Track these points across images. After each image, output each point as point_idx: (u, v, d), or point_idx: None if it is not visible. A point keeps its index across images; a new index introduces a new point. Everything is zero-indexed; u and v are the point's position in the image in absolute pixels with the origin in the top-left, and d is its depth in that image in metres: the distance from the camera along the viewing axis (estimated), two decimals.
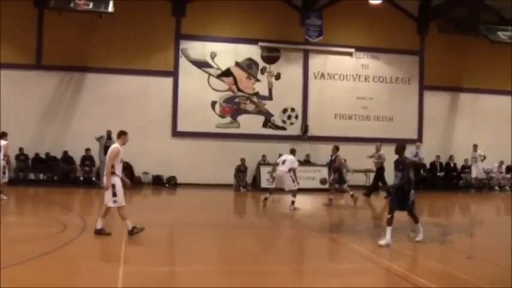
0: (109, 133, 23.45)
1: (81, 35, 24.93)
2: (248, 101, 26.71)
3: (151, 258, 10.16)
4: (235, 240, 12.62)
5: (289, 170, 18.36)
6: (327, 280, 8.92)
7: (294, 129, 26.93)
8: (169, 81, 25.94)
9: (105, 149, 23.42)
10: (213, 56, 26.44)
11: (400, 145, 12.01)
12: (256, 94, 26.80)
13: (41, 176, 24.87)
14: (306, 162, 26.20)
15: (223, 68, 26.52)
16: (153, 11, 25.48)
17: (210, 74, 26.36)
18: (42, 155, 24.70)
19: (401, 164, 11.66)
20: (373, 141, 26.51)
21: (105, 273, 8.71)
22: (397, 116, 27.81)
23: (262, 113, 26.79)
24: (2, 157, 17.73)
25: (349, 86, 27.62)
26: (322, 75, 27.45)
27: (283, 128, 26.90)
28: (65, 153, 24.73)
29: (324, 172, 25.39)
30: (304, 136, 26.71)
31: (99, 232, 11.64)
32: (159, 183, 25.25)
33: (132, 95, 25.26)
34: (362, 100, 27.73)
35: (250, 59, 26.83)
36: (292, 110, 27.00)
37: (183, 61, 26.12)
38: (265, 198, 18.95)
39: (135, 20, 25.14)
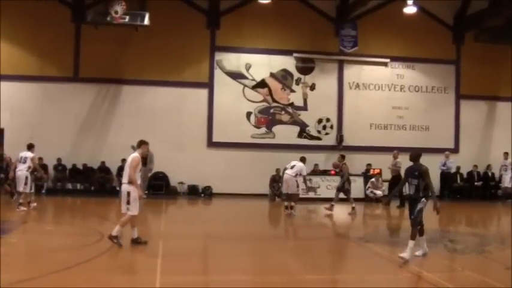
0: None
1: (117, 48, 25.27)
2: (283, 112, 26.74)
3: (187, 268, 10.23)
4: (270, 250, 12.62)
5: (296, 175, 18.75)
6: None
7: (329, 139, 26.86)
8: (204, 92, 26.11)
9: (142, 161, 23.77)
10: (247, 67, 26.55)
11: (416, 153, 11.82)
12: (291, 105, 26.82)
13: (78, 186, 25.20)
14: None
15: (258, 79, 26.61)
16: (188, 23, 25.70)
17: (245, 85, 26.47)
18: (80, 166, 25.04)
19: (416, 171, 11.24)
20: (409, 151, 26.13)
21: (142, 282, 8.80)
22: (433, 125, 27.53)
23: (297, 124, 26.79)
24: (26, 168, 18.08)
25: (385, 96, 27.47)
26: (357, 86, 27.34)
27: (319, 138, 26.85)
28: (102, 163, 25.05)
29: (359, 182, 25.29)
30: (339, 146, 26.60)
31: (136, 241, 11.85)
32: (194, 193, 25.39)
33: (167, 107, 25.50)
34: (397, 110, 27.53)
35: (285, 70, 26.86)
36: (327, 120, 26.94)
37: (218, 73, 26.28)
38: (286, 207, 19.18)
39: (171, 33, 25.38)
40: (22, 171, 17.95)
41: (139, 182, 11.88)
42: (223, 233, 15.61)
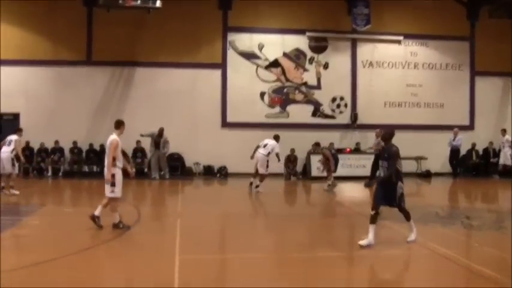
0: (161, 130, 23.94)
1: (130, 31, 25.29)
2: (297, 91, 26.72)
3: (205, 246, 10.34)
4: (287, 228, 12.70)
5: (268, 153, 19.20)
6: (381, 266, 8.94)
7: (344, 118, 26.83)
8: (217, 73, 26.12)
9: (155, 144, 23.94)
10: (260, 47, 26.51)
11: (388, 132, 10.63)
12: (305, 84, 26.78)
13: (95, 168, 25.36)
14: (356, 150, 26.10)
15: (271, 59, 26.57)
16: (200, 5, 25.64)
17: (258, 65, 26.45)
18: (96, 148, 25.17)
19: (386, 152, 10.24)
20: (423, 128, 26.41)
21: (162, 261, 8.91)
22: (448, 102, 27.40)
23: (311, 103, 26.77)
24: (10, 151, 17.92)
25: (398, 73, 27.33)
26: (371, 64, 27.24)
27: (333, 117, 26.82)
28: None
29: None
30: (353, 125, 26.58)
31: (117, 226, 11.51)
32: (210, 173, 25.54)
33: (181, 88, 25.54)
34: (412, 87, 27.41)
35: (297, 49, 26.80)
36: (341, 98, 26.89)
37: (231, 53, 26.27)
38: (251, 183, 19.57)
39: (183, 15, 25.36)
40: (6, 153, 17.80)
41: (121, 164, 11.69)
42: (240, 212, 15.74)
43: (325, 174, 21.01)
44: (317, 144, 21.08)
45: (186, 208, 15.76)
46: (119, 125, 12.05)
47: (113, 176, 11.42)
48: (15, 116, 24.87)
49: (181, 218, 13.27)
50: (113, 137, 11.68)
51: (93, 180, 23.49)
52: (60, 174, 24.69)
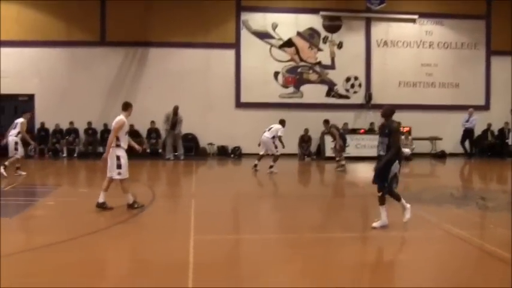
0: (175, 108, 23.96)
1: (143, 11, 25.28)
2: (311, 71, 26.62)
3: (219, 227, 10.38)
4: (300, 209, 12.71)
5: (273, 137, 19.43)
6: (394, 247, 8.93)
7: (358, 98, 26.71)
8: (231, 53, 26.06)
9: (172, 124, 23.95)
10: (274, 26, 26.39)
11: (388, 108, 10.35)
12: (319, 63, 26.67)
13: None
14: (370, 130, 26.00)
15: (285, 38, 26.46)
16: None
17: (271, 45, 26.36)
18: (110, 128, 25.23)
19: (387, 128, 9.96)
20: (438, 108, 26.23)
21: (176, 241, 8.95)
22: (463, 82, 27.17)
23: (325, 82, 26.67)
24: (15, 134, 17.78)
25: (413, 53, 27.13)
26: (385, 43, 27.05)
27: (347, 97, 26.72)
28: (131, 126, 25.18)
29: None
30: (367, 104, 26.47)
31: (102, 206, 11.36)
32: (224, 154, 25.60)
33: (194, 68, 25.54)
34: (426, 67, 27.20)
35: (311, 29, 26.66)
36: (356, 78, 26.76)
37: (244, 33, 26.18)
38: (255, 165, 19.70)
39: None
40: (12, 136, 17.75)
41: (125, 145, 11.61)
42: (254, 192, 15.79)
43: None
44: (326, 122, 20.99)
45: (200, 189, 15.81)
46: (127, 106, 11.96)
47: (118, 157, 11.36)
48: (30, 97, 25.05)
49: (195, 199, 13.32)
50: (120, 117, 11.67)
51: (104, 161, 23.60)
52: (75, 155, 24.82)
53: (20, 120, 18.17)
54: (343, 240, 9.09)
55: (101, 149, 25.24)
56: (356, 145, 24.53)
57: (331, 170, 21.24)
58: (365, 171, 19.31)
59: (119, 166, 11.32)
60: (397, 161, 9.77)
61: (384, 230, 9.78)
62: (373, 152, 24.05)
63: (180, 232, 9.58)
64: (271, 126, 19.81)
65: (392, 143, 9.76)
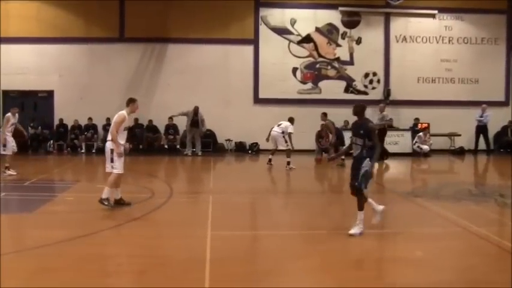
0: (196, 110, 24.00)
1: (162, 7, 25.34)
2: (329, 67, 26.55)
3: (236, 222, 10.41)
4: (318, 205, 12.71)
5: (283, 132, 19.56)
6: (413, 244, 8.88)
7: (376, 94, 26.59)
8: (249, 49, 26.07)
9: (192, 122, 24.00)
10: (292, 22, 26.35)
11: (360, 105, 9.68)
12: (337, 59, 26.59)
13: (127, 145, 25.52)
14: (389, 126, 25.86)
15: (304, 34, 26.41)
16: None
17: (290, 41, 26.33)
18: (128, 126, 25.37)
19: (361, 129, 9.31)
20: (457, 104, 26.03)
21: (194, 236, 8.99)
22: (483, 78, 26.90)
23: (344, 78, 26.59)
24: (7, 130, 17.16)
25: (432, 48, 26.94)
26: (404, 38, 26.88)
27: (365, 93, 26.60)
28: (150, 121, 25.37)
29: (407, 137, 25.09)
30: (386, 100, 26.32)
31: (119, 202, 11.45)
32: (241, 150, 25.62)
33: (213, 64, 25.58)
34: (446, 63, 26.99)
35: (330, 24, 26.57)
36: (374, 74, 26.64)
37: (263, 28, 26.17)
38: (269, 160, 19.98)
39: None
40: (4, 133, 17.19)
41: (123, 141, 11.45)
42: (271, 188, 15.83)
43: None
44: (324, 114, 20.93)
45: (218, 184, 15.85)
46: (129, 102, 11.83)
47: (112, 151, 11.27)
48: (50, 94, 25.25)
49: (213, 195, 13.35)
50: (121, 112, 11.50)
51: (126, 157, 23.71)
52: (94, 150, 24.97)
53: (7, 114, 17.57)
54: (361, 236, 9.05)
55: None
56: None
57: (348, 165, 21.16)
58: (383, 168, 19.28)
59: (112, 160, 11.26)
60: (368, 159, 9.15)
61: (403, 226, 9.73)
62: (392, 148, 24.30)
63: (198, 228, 9.62)
64: (281, 122, 19.99)
65: (373, 144, 9.22)
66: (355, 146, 9.42)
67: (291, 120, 20.03)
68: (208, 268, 7.25)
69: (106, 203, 11.01)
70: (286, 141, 19.56)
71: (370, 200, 9.42)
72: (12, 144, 17.25)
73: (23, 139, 19.87)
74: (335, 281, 7.02)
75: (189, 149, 24.34)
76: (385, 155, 22.37)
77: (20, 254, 7.88)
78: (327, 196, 14.14)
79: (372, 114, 25.71)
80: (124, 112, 11.44)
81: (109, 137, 11.36)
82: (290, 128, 19.63)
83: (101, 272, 7.27)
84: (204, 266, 7.30)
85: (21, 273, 7.04)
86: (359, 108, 9.57)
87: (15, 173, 16.70)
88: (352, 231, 9.04)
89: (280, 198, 14.00)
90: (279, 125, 19.83)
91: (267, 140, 20.17)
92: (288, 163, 19.19)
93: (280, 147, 19.68)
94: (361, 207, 9.18)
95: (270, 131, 19.97)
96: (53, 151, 24.76)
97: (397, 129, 25.66)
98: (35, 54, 24.91)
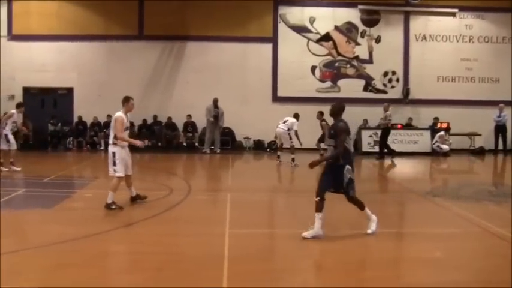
0: (215, 101, 24.02)
1: (181, 5, 25.35)
2: (348, 65, 26.44)
3: (254, 220, 10.40)
4: (335, 204, 12.62)
5: (288, 129, 19.54)
6: (431, 244, 8.81)
7: (395, 93, 26.42)
8: (268, 47, 26.03)
9: (214, 117, 24.00)
10: (311, 20, 26.27)
11: (336, 106, 9.25)
12: (356, 58, 26.47)
13: (146, 143, 25.68)
14: (408, 125, 25.75)
15: (323, 33, 26.31)
16: None
17: (309, 39, 26.25)
18: (148, 122, 25.48)
19: (333, 129, 8.98)
20: (477, 104, 25.78)
21: (212, 234, 8.99)
22: (504, 77, 26.55)
23: (363, 77, 26.46)
24: (8, 126, 17.10)
25: (452, 47, 26.70)
26: (424, 37, 26.69)
27: (384, 92, 26.44)
28: (169, 119, 25.41)
29: (426, 136, 24.93)
30: (405, 99, 26.17)
31: (138, 198, 11.50)
32: (260, 148, 25.59)
33: (231, 62, 25.57)
34: (466, 62, 26.74)
35: (349, 23, 26.45)
36: (393, 73, 26.48)
37: (281, 27, 26.12)
38: (278, 156, 20.26)
39: None
40: (3, 129, 17.07)
41: (122, 143, 11.22)
42: (289, 187, 15.81)
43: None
44: (321, 113, 20.73)
45: (236, 182, 15.85)
46: (125, 101, 11.46)
47: (114, 154, 11.03)
48: (69, 91, 25.40)
49: (231, 192, 13.35)
50: (118, 114, 11.16)
51: (144, 154, 23.82)
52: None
53: (12, 110, 17.64)
54: (380, 236, 9.01)
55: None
56: (393, 140, 24.30)
57: (367, 165, 21.14)
58: (402, 167, 19.16)
59: (114, 163, 11.04)
60: (347, 165, 8.82)
61: (421, 226, 9.65)
62: (411, 148, 24.16)
63: (216, 225, 9.63)
64: (286, 119, 19.98)
65: (336, 144, 8.84)
66: (329, 148, 9.20)
67: (296, 116, 20.02)
68: (226, 266, 7.25)
69: (113, 207, 10.85)
70: (290, 138, 19.53)
71: (367, 210, 9.19)
72: (12, 141, 17.19)
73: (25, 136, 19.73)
74: (352, 281, 6.99)
75: (207, 146, 24.32)
76: (389, 153, 22.37)
77: (39, 250, 7.93)
78: (343, 195, 14.06)
79: (392, 113, 25.70)
80: (121, 114, 11.17)
81: (110, 141, 11.16)
82: (295, 125, 19.62)
83: (118, 268, 7.30)
84: (222, 264, 7.30)
85: (39, 268, 7.09)
86: (336, 109, 9.20)
87: (19, 169, 16.89)
88: (369, 231, 8.98)
89: (297, 196, 13.95)
90: (284, 122, 19.82)
91: (275, 137, 20.50)
92: (293, 160, 19.17)
93: (286, 145, 19.77)
94: (362, 207, 9.11)
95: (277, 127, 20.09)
96: (72, 148, 24.91)
97: (417, 129, 25.51)
98: (55, 51, 25.09)
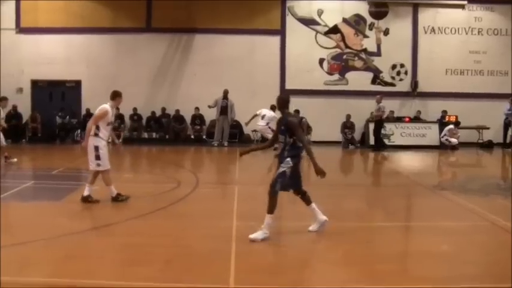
0: (225, 92, 23.98)
1: None
2: (356, 58, 26.37)
3: (263, 214, 10.35)
4: (343, 197, 12.64)
5: (267, 123, 19.70)
6: (439, 238, 8.79)
7: (404, 86, 26.35)
8: (276, 39, 25.99)
9: (222, 109, 23.97)
10: (319, 13, 26.20)
11: (281, 98, 8.86)
12: (365, 50, 26.39)
13: (154, 135, 25.77)
14: (416, 119, 25.68)
15: (331, 25, 26.24)
16: None
17: (317, 32, 26.19)
18: (156, 114, 25.52)
19: (283, 124, 8.43)
20: (486, 97, 25.64)
21: (220, 227, 8.99)
22: None
23: (371, 70, 26.39)
24: None
25: (461, 40, 26.57)
26: (433, 30, 26.57)
27: (393, 85, 26.37)
28: (177, 111, 25.43)
29: (434, 129, 24.86)
30: (413, 92, 26.09)
31: (86, 200, 10.66)
32: (265, 141, 25.55)
33: (239, 55, 25.55)
34: (475, 54, 26.62)
35: (357, 15, 26.37)
36: (402, 66, 26.39)
37: (289, 19, 26.07)
38: (275, 148, 19.40)
39: None
40: None
41: (107, 135, 10.86)
42: None
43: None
44: (297, 112, 20.58)
45: (243, 175, 15.85)
46: (115, 96, 11.12)
47: (97, 148, 10.62)
48: (77, 83, 25.46)
49: (238, 185, 13.36)
50: (104, 105, 10.85)
51: (152, 147, 23.89)
52: (120, 140, 25.08)
53: None
54: (388, 229, 9.02)
55: (145, 135, 25.64)
56: (401, 133, 24.27)
57: (375, 158, 21.11)
58: (409, 160, 19.13)
59: (97, 157, 10.64)
60: (288, 159, 8.43)
61: (429, 219, 9.62)
62: (419, 141, 24.12)
63: (223, 219, 9.62)
64: (264, 113, 20.23)
65: (297, 140, 8.40)
66: (279, 143, 8.86)
67: (273, 108, 19.90)
68: (233, 259, 7.25)
69: (120, 198, 10.74)
70: (273, 131, 19.40)
71: (314, 205, 8.88)
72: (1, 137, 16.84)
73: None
74: (360, 274, 6.98)
75: (217, 138, 24.29)
76: (381, 146, 22.43)
77: (47, 242, 7.95)
78: (350, 188, 14.06)
79: (400, 106, 25.67)
80: (107, 106, 10.83)
81: (92, 132, 10.69)
82: (274, 118, 18.97)
83: (125, 261, 7.32)
84: (230, 257, 7.30)
85: (48, 260, 7.12)
86: (281, 101, 8.69)
87: (15, 160, 16.89)
88: (253, 236, 8.16)
89: (304, 189, 13.93)
90: (262, 117, 19.97)
91: (246, 124, 21.23)
92: (275, 149, 19.11)
93: (268, 137, 19.44)
94: (270, 211, 8.43)
95: (252, 118, 20.74)
96: (80, 140, 24.91)
97: (425, 122, 25.45)
98: (63, 44, 25.15)
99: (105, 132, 10.77)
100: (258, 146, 8.85)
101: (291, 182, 8.59)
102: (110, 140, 11.35)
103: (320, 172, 8.54)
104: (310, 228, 8.69)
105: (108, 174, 10.85)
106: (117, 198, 10.79)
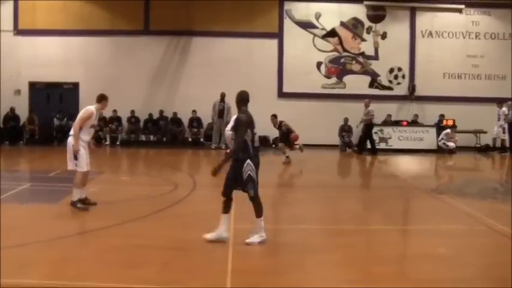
0: (222, 95, 23.97)
1: (186, 0, 25.35)
2: (354, 61, 26.38)
3: None
4: (341, 200, 12.65)
5: (232, 128, 18.87)
6: (436, 241, 8.80)
7: (401, 89, 26.36)
8: (274, 42, 26.00)
9: (219, 112, 23.98)
10: (317, 16, 26.22)
11: (240, 94, 8.64)
12: (362, 54, 26.41)
13: (151, 138, 25.76)
14: (414, 122, 25.69)
15: (328, 28, 26.26)
16: None
17: (314, 35, 26.20)
18: (153, 117, 25.51)
19: (235, 121, 8.49)
20: (484, 101, 25.65)
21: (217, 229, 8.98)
22: (510, 74, 26.43)
23: (368, 73, 26.40)
24: None
25: (459, 44, 26.61)
26: (430, 34, 26.60)
27: (390, 88, 26.39)
28: (175, 114, 25.42)
29: (432, 133, 24.87)
30: (411, 96, 26.11)
31: (84, 202, 10.57)
32: (265, 144, 25.53)
33: (237, 58, 25.53)
34: (472, 58, 26.63)
35: (355, 19, 26.39)
36: (399, 69, 26.42)
37: (287, 22, 26.09)
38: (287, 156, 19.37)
39: None
40: None
41: (88, 137, 10.83)
42: (294, 183, 15.78)
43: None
44: (274, 116, 20.37)
45: None
46: (101, 99, 11.02)
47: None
48: (75, 85, 25.43)
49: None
50: (89, 107, 10.79)
51: (150, 149, 23.88)
52: (118, 143, 25.10)
53: None
54: (386, 232, 9.02)
55: (143, 138, 25.61)
56: (398, 137, 24.29)
57: (372, 161, 21.12)
58: (407, 163, 19.14)
59: (75, 157, 10.56)
60: (248, 161, 8.24)
61: (426, 223, 9.63)
62: (416, 145, 24.11)
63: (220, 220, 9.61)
64: (233, 118, 19.81)
65: (235, 138, 8.31)
66: (232, 142, 8.67)
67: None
68: (230, 261, 7.26)
69: (78, 206, 10.35)
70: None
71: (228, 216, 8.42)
72: None
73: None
74: (358, 276, 7.00)
75: (215, 141, 24.28)
76: (372, 150, 22.50)
77: (45, 244, 7.95)
78: (350, 191, 14.07)
79: (397, 110, 25.68)
80: (92, 108, 10.75)
81: (71, 132, 10.68)
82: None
83: (123, 263, 7.31)
84: (227, 259, 7.31)
85: (46, 262, 7.13)
86: (239, 98, 8.57)
87: None
88: (249, 240, 8.13)
89: (302, 192, 13.96)
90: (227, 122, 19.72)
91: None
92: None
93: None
94: (259, 214, 8.33)
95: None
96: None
97: (422, 126, 25.46)
98: (61, 46, 25.14)
99: (87, 133, 10.75)
100: (225, 158, 8.50)
101: (241, 181, 8.27)
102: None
103: (214, 173, 8.41)
104: (209, 236, 8.22)
105: (81, 176, 10.60)
106: (75, 205, 10.35)
